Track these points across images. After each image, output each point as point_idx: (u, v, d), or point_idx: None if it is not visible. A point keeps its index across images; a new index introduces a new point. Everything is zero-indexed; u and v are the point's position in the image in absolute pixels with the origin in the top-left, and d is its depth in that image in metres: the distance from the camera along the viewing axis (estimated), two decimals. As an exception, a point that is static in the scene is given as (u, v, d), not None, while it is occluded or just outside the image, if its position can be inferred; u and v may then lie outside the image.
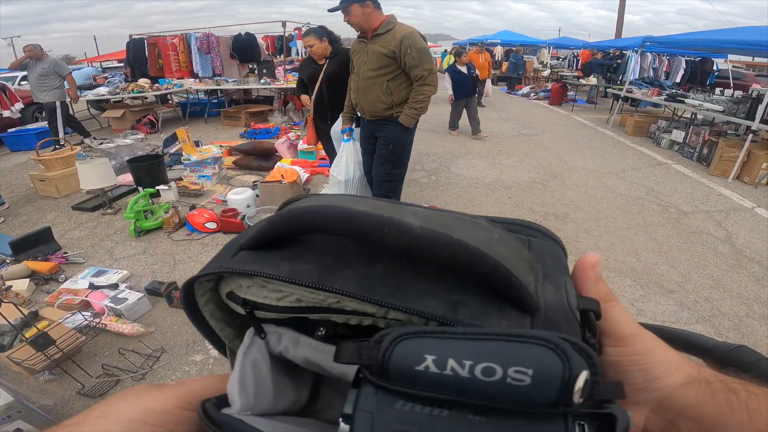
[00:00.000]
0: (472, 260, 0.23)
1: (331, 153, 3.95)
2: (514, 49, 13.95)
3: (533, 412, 0.19)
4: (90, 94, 7.65)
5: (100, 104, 8.48)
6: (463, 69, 6.92)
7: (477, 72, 7.68)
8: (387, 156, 3.09)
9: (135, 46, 8.65)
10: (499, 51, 16.66)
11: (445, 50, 19.12)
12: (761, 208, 4.29)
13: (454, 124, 7.41)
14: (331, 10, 2.89)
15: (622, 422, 0.20)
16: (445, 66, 9.46)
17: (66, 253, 3.23)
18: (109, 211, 3.95)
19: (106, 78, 8.89)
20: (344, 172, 3.30)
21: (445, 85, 6.75)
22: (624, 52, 11.31)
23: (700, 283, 2.89)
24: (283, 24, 9.17)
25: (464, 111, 7.19)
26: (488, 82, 9.97)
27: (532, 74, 15.25)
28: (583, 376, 0.18)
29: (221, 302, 0.31)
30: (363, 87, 2.89)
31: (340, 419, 0.21)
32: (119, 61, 12.80)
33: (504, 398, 0.19)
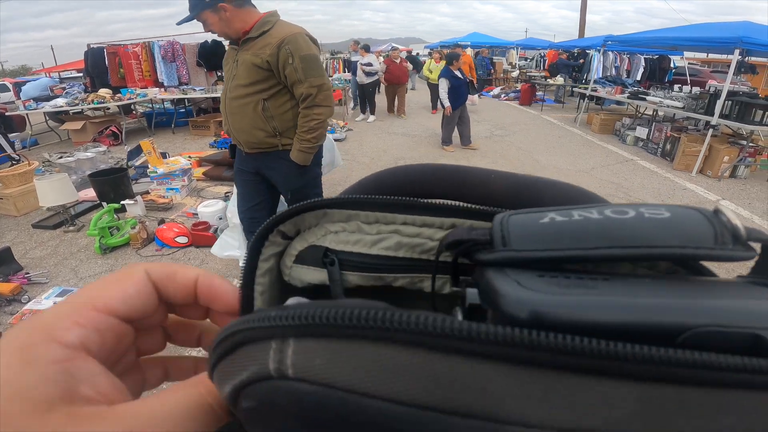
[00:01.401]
0: (571, 191, 0.24)
1: None
2: (480, 51, 13.98)
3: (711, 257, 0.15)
4: (47, 106, 7.31)
5: (59, 116, 8.12)
6: (459, 74, 6.20)
7: (470, 78, 7.20)
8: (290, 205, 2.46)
9: (94, 56, 8.33)
10: (469, 53, 16.89)
11: (417, 53, 19.22)
12: (726, 200, 4.46)
13: (447, 139, 6.53)
14: (179, 23, 2.26)
15: None
16: (425, 72, 9.23)
17: (28, 273, 3.07)
18: (71, 228, 3.77)
19: (64, 89, 8.52)
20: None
21: (440, 95, 6.20)
22: (587, 51, 11.65)
23: (673, 277, 2.96)
24: (250, 30, 9.01)
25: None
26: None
27: (501, 75, 15.53)
28: (724, 208, 0.16)
29: (278, 279, 0.26)
30: (233, 109, 2.12)
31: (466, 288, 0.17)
32: (78, 71, 12.32)
33: (654, 237, 0.15)
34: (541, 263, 0.16)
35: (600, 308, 0.14)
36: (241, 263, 0.24)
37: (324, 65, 10.52)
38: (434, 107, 9.48)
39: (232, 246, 2.92)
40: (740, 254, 0.15)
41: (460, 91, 6.10)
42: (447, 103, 6.07)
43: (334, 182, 4.89)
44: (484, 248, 0.17)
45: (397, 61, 8.95)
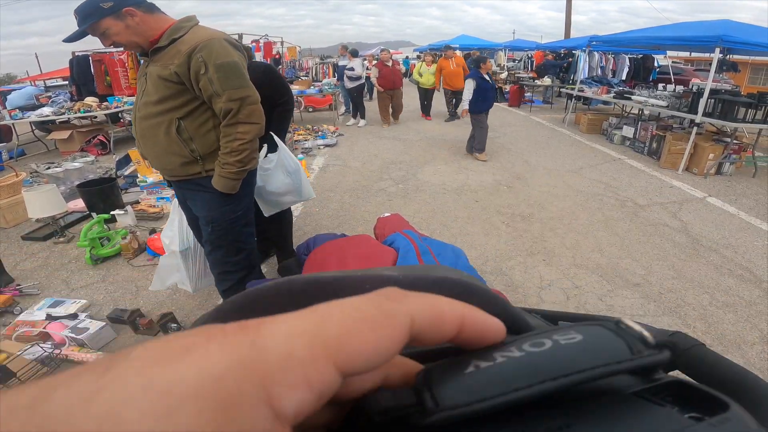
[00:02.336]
0: (460, 289, 0.23)
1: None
2: (471, 53, 13.37)
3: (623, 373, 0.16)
4: (33, 115, 7.21)
5: (45, 126, 8.01)
6: (487, 77, 5.78)
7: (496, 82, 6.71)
8: (213, 241, 2.03)
9: (79, 64, 8.24)
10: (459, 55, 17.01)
11: (407, 57, 19.24)
12: (712, 197, 4.55)
13: (480, 145, 6.01)
14: (67, 40, 1.75)
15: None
16: (415, 76, 8.90)
17: (19, 285, 3.05)
18: (61, 239, 3.73)
19: (50, 97, 8.42)
20: (179, 240, 2.31)
21: (464, 95, 5.79)
22: (573, 51, 11.78)
23: (663, 275, 3.01)
24: (240, 37, 8.99)
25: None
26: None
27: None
28: (627, 318, 0.17)
29: None
30: (143, 131, 1.79)
31: None
32: (64, 78, 12.17)
33: (579, 362, 0.15)
34: (480, 415, 0.15)
35: None
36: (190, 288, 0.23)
37: (314, 70, 10.40)
38: (426, 113, 9.32)
39: (172, 271, 2.47)
40: (657, 358, 0.16)
41: (488, 94, 5.74)
42: (466, 105, 5.75)
43: (325, 188, 4.90)
44: (416, 412, 0.16)
45: (389, 63, 8.18)
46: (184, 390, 0.11)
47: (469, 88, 5.69)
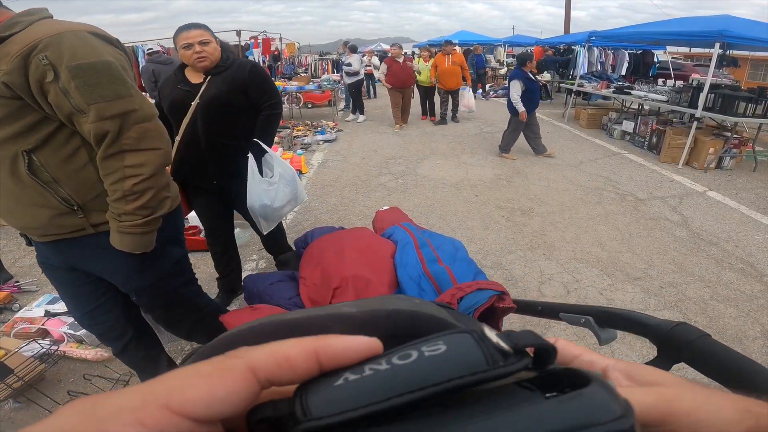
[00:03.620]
0: (412, 319, 0.26)
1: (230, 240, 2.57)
2: (471, 48, 12.45)
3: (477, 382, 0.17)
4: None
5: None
6: (532, 76, 5.40)
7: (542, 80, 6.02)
8: (144, 305, 1.56)
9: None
10: (458, 51, 16.94)
11: (405, 52, 19.14)
12: (713, 191, 4.54)
13: (507, 147, 5.80)
14: None
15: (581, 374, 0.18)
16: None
17: (18, 282, 3.04)
18: (59, 237, 3.72)
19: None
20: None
21: (512, 98, 5.35)
22: (573, 47, 11.75)
23: (663, 269, 3.00)
24: (238, 33, 8.97)
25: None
26: (468, 91, 8.06)
27: (490, 73, 15.58)
28: (486, 328, 0.18)
29: None
30: None
31: None
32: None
33: (435, 375, 0.17)
34: (343, 426, 0.16)
35: None
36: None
37: (313, 66, 10.36)
38: (428, 114, 8.64)
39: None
40: (512, 367, 0.17)
41: (534, 95, 5.39)
42: (521, 108, 5.32)
43: (324, 183, 4.89)
44: (291, 421, 0.17)
45: (400, 60, 7.46)
46: None
47: (515, 89, 5.29)
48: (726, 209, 4.05)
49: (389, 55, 8.06)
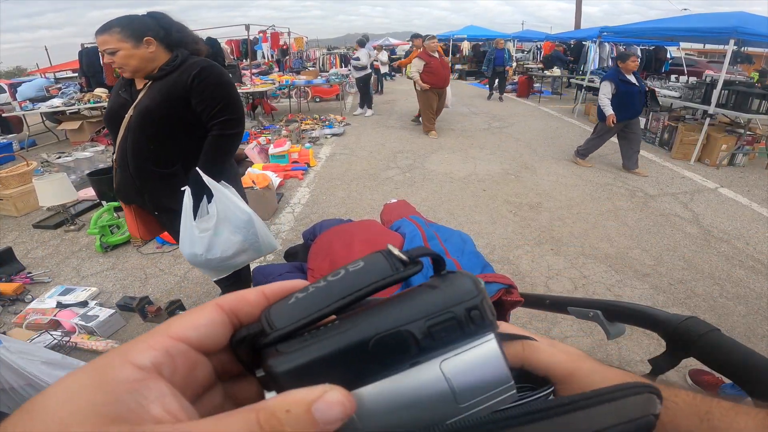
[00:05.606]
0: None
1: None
2: (493, 42, 10.89)
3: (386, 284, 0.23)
4: (44, 107, 7.28)
5: (55, 116, 8.09)
6: (631, 78, 4.66)
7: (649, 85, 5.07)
8: None
9: (88, 55, 8.27)
10: (466, 46, 16.85)
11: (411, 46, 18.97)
12: (725, 188, 4.48)
13: (586, 152, 5.22)
14: None
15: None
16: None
17: (30, 273, 3.08)
18: (72, 227, 3.77)
19: (60, 89, 8.48)
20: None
21: (600, 101, 4.78)
22: (583, 42, 11.63)
23: (673, 265, 2.98)
24: (247, 27, 8.97)
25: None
26: (447, 90, 6.86)
27: (511, 72, 15.44)
28: (391, 246, 0.24)
29: None
30: None
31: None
32: (73, 70, 12.25)
33: (358, 283, 0.23)
34: (298, 330, 0.22)
35: (314, 350, 0.20)
36: None
37: (321, 61, 10.33)
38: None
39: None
40: (410, 271, 0.23)
41: (629, 98, 4.64)
42: (609, 111, 4.67)
43: (332, 176, 4.90)
44: (261, 336, 0.22)
45: (436, 55, 6.38)
46: None
47: (604, 91, 4.70)
48: (737, 206, 4.00)
49: (411, 48, 7.31)
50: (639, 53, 11.15)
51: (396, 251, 0.24)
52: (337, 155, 5.85)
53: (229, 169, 1.91)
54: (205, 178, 1.67)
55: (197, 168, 1.68)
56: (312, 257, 1.37)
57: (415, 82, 6.55)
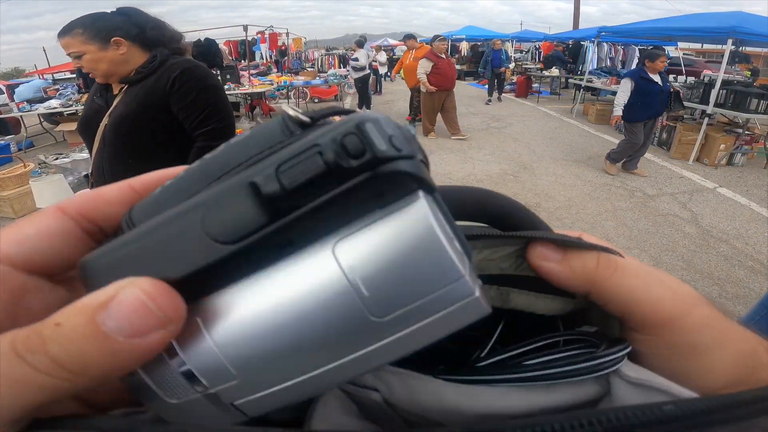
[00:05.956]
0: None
1: None
2: (480, 43, 10.91)
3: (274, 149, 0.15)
4: (41, 108, 7.28)
5: (53, 118, 8.08)
6: (656, 78, 4.45)
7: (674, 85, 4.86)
8: None
9: (87, 56, 8.29)
10: (464, 46, 16.88)
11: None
12: (723, 188, 4.48)
13: (618, 156, 4.85)
14: None
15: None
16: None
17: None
18: (69, 229, 3.77)
19: (58, 90, 8.47)
20: None
21: (617, 98, 4.66)
22: (581, 43, 11.66)
23: (672, 266, 2.97)
24: (245, 28, 8.97)
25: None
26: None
27: (509, 73, 15.47)
28: (289, 108, 0.17)
29: None
30: None
31: None
32: (71, 72, 12.25)
33: (237, 156, 0.15)
34: None
35: (133, 239, 0.15)
36: None
37: (319, 61, 10.33)
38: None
39: None
40: (307, 134, 0.15)
41: (651, 99, 4.43)
42: (617, 112, 4.62)
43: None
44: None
45: (443, 56, 6.25)
46: None
47: (623, 89, 4.54)
48: (736, 206, 4.00)
49: (408, 47, 6.73)
50: (637, 52, 11.19)
51: (294, 112, 0.16)
52: (335, 156, 5.84)
53: None
54: None
55: None
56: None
57: (421, 84, 6.30)
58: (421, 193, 0.14)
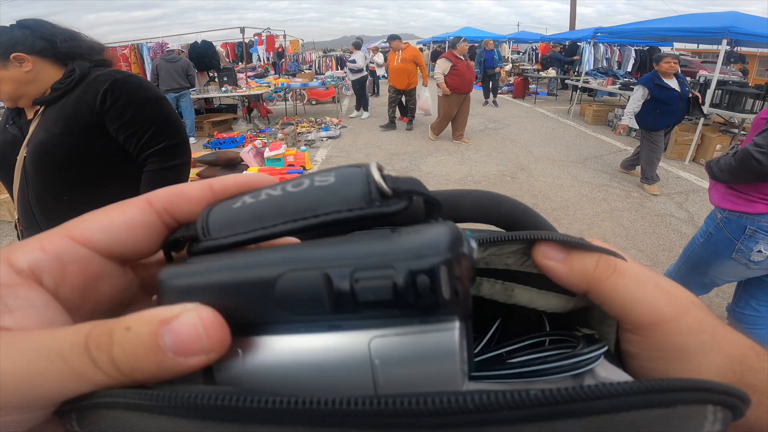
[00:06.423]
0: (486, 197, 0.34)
1: None
2: (482, 43, 10.22)
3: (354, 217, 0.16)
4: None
5: None
6: (672, 83, 4.11)
7: (693, 91, 4.55)
8: None
9: (84, 58, 8.29)
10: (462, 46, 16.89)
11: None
12: (717, 187, 4.49)
13: (651, 173, 4.37)
14: None
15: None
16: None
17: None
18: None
19: (55, 92, 8.47)
20: None
21: (628, 106, 4.46)
22: (578, 44, 11.70)
23: (668, 265, 2.98)
24: (242, 30, 8.99)
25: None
26: (425, 92, 7.00)
27: (504, 74, 15.50)
28: (374, 166, 0.17)
29: None
30: None
31: None
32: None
33: (318, 205, 0.16)
34: (233, 246, 0.17)
35: (211, 272, 0.16)
36: None
37: (317, 63, 10.35)
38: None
39: None
40: (388, 209, 0.16)
41: (669, 107, 4.11)
42: (625, 120, 4.41)
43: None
44: (196, 240, 0.18)
45: (462, 57, 6.05)
46: None
47: (635, 97, 4.24)
48: (381, 175, 3.98)
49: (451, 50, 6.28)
50: (633, 53, 11.25)
51: (377, 175, 0.17)
52: (333, 158, 5.85)
53: None
54: None
55: None
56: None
57: (438, 85, 6.14)
58: (456, 325, 0.15)
